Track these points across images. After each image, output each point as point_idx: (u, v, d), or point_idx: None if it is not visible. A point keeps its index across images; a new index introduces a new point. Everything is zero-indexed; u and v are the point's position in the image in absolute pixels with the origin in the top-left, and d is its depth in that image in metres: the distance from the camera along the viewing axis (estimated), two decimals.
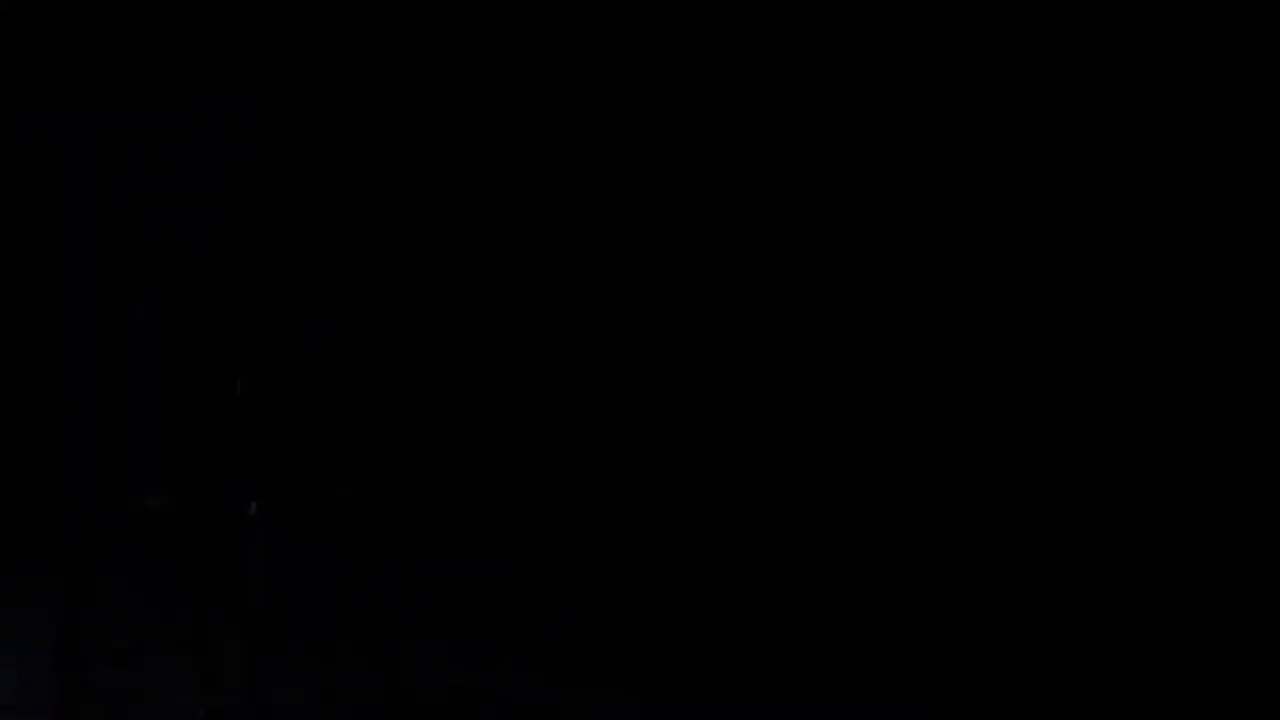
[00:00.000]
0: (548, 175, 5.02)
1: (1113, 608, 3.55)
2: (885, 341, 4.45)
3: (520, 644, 3.33)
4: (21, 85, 4.66)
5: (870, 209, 4.45)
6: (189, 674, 2.77)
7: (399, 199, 5.11)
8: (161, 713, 2.67)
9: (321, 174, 4.99)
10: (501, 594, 4.27)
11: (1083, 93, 4.07)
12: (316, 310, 4.96)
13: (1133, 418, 3.99)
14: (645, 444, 5.32)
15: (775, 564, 4.28)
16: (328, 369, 4.91)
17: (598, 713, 2.67)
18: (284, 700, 2.75)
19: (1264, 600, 3.43)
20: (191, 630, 2.69)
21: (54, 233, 4.90)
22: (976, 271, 4.26)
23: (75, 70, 4.65)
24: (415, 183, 5.10)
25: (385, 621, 2.78)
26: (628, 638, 3.45)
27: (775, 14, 4.56)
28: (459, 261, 5.18)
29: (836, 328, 4.55)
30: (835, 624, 3.49)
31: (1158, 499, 3.87)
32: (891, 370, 4.48)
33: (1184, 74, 3.88)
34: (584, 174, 5.00)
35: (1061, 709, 2.75)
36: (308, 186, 5.00)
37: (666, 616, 3.77)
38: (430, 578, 4.65)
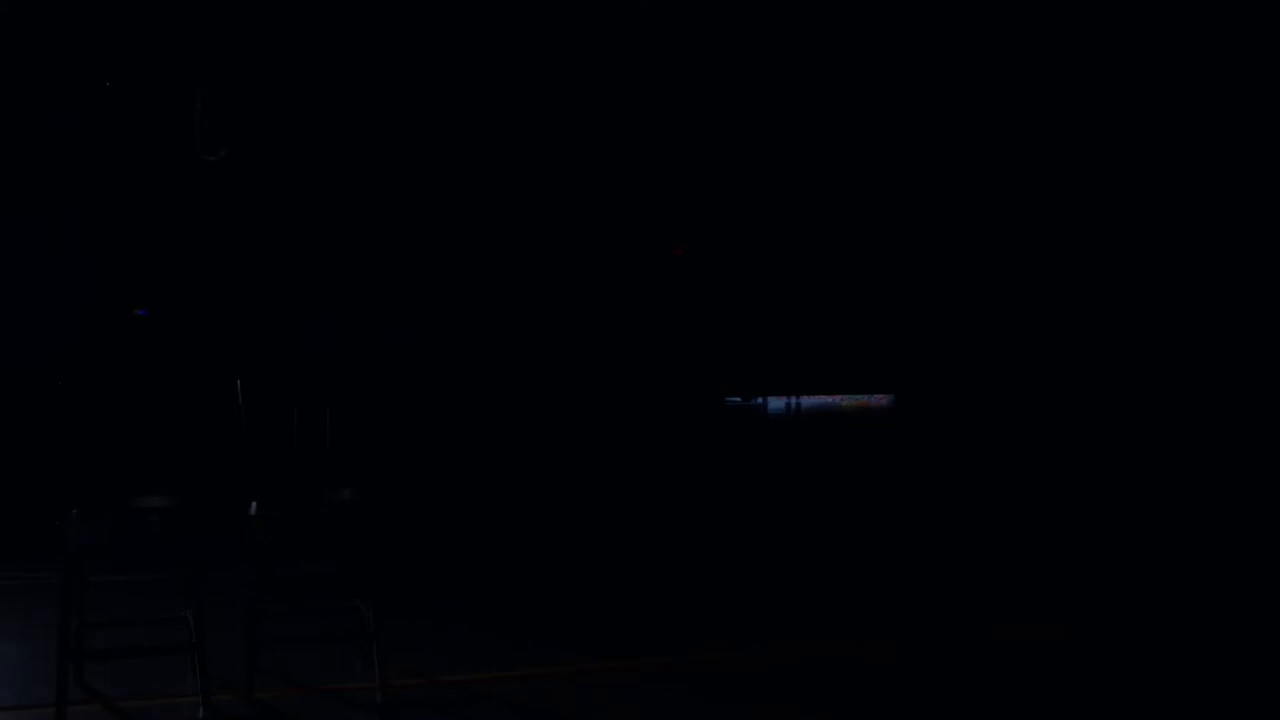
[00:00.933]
0: (545, 175, 5.02)
1: None
2: None
3: (521, 642, 3.34)
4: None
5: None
6: (189, 674, 2.78)
7: (397, 198, 5.11)
8: (162, 713, 2.67)
9: (320, 173, 4.99)
10: (501, 593, 4.27)
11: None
12: (315, 310, 4.96)
13: None
14: (640, 440, 5.31)
15: None
16: (327, 368, 4.92)
17: (597, 710, 2.68)
18: (284, 700, 2.75)
19: None
20: (191, 630, 2.69)
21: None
22: None
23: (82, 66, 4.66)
24: (413, 182, 5.10)
25: (385, 621, 2.79)
26: (628, 637, 3.45)
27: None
28: (458, 260, 5.18)
29: None
30: None
31: None
32: None
33: None
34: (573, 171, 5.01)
35: None
36: (307, 187, 5.00)
37: (665, 614, 3.77)
38: (430, 577, 4.66)
